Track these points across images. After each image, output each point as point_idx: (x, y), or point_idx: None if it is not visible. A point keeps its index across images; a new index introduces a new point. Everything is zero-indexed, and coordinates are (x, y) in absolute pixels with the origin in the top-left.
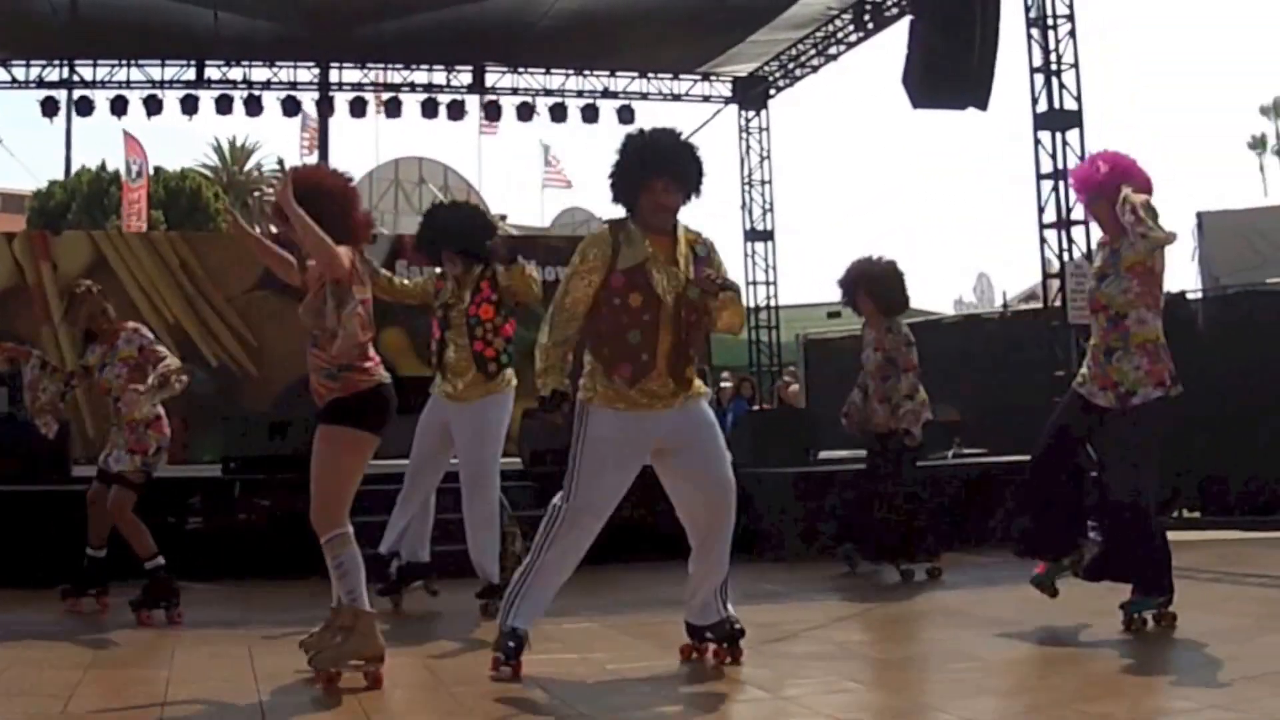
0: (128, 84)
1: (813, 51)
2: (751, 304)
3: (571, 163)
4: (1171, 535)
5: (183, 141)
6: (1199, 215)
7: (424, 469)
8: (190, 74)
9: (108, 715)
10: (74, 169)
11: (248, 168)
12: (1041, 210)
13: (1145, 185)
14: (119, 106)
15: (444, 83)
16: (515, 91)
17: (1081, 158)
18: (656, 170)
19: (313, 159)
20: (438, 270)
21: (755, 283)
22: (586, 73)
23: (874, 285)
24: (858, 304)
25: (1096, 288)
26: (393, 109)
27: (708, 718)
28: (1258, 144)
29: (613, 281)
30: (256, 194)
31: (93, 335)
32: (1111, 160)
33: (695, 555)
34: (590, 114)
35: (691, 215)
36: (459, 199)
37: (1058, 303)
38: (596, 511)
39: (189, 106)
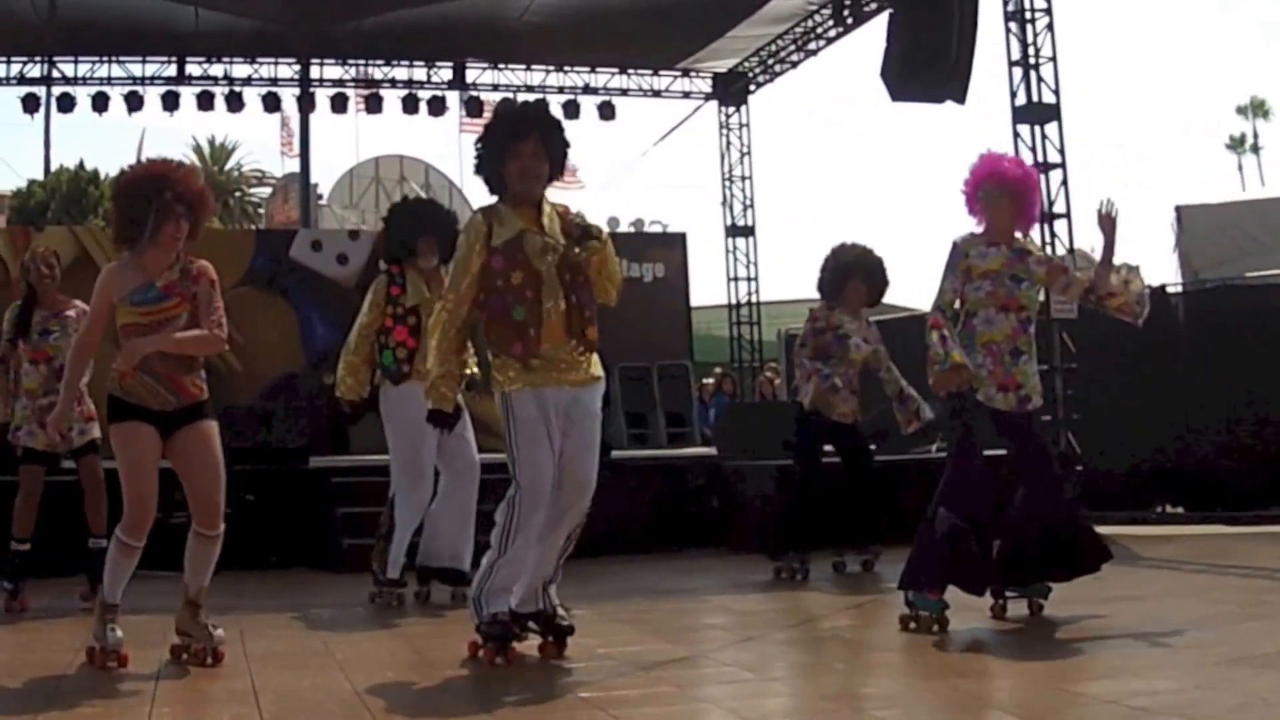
0: (109, 80)
1: (792, 47)
2: (733, 300)
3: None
4: (1154, 530)
5: (164, 141)
6: (1178, 209)
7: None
8: (171, 70)
9: (100, 695)
10: (53, 168)
11: (228, 167)
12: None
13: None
14: (100, 103)
15: (425, 79)
16: (496, 87)
17: (1061, 151)
18: (525, 132)
19: (293, 158)
20: (388, 273)
21: (736, 278)
22: (567, 68)
23: (871, 274)
24: (847, 291)
25: (1014, 288)
26: (373, 105)
27: (693, 696)
28: (1236, 144)
29: (494, 263)
30: (237, 194)
31: (34, 300)
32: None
33: (541, 537)
34: (571, 110)
35: (675, 210)
36: (442, 197)
37: (1040, 297)
38: (544, 489)
39: (170, 103)
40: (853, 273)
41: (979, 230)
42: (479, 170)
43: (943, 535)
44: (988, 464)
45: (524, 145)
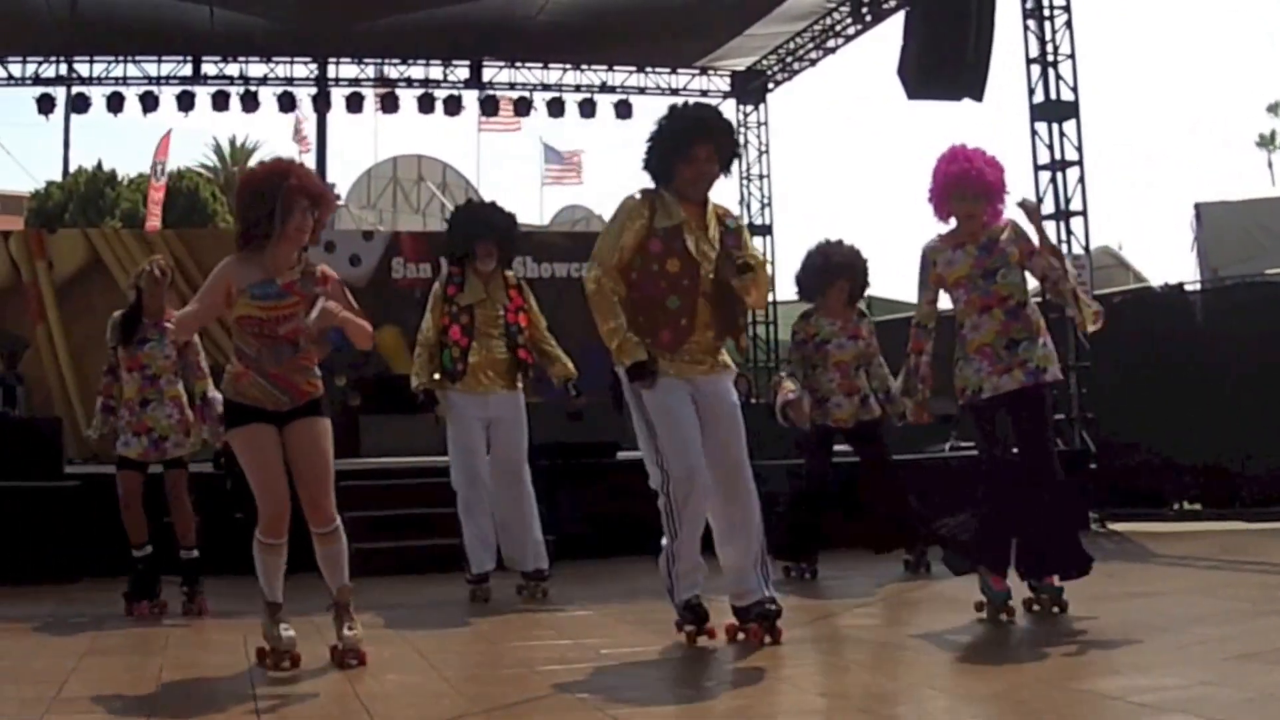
0: (124, 80)
1: (811, 45)
2: None
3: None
4: (1170, 527)
5: (181, 141)
6: (1197, 207)
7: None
8: (187, 70)
9: (100, 701)
10: (71, 169)
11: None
12: (1039, 201)
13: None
14: (115, 103)
15: (441, 78)
16: (513, 86)
17: (1079, 149)
18: (703, 138)
19: (307, 154)
20: (445, 272)
21: None
22: (584, 67)
23: (857, 275)
24: (831, 291)
25: (987, 285)
26: (390, 104)
27: (699, 697)
28: (1266, 142)
29: (650, 246)
30: None
31: (140, 309)
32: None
33: (719, 538)
34: (588, 108)
35: None
36: (458, 197)
37: None
38: (693, 473)
39: (185, 103)
40: (841, 274)
41: (944, 231)
42: (647, 164)
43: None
44: (1009, 464)
45: (700, 150)
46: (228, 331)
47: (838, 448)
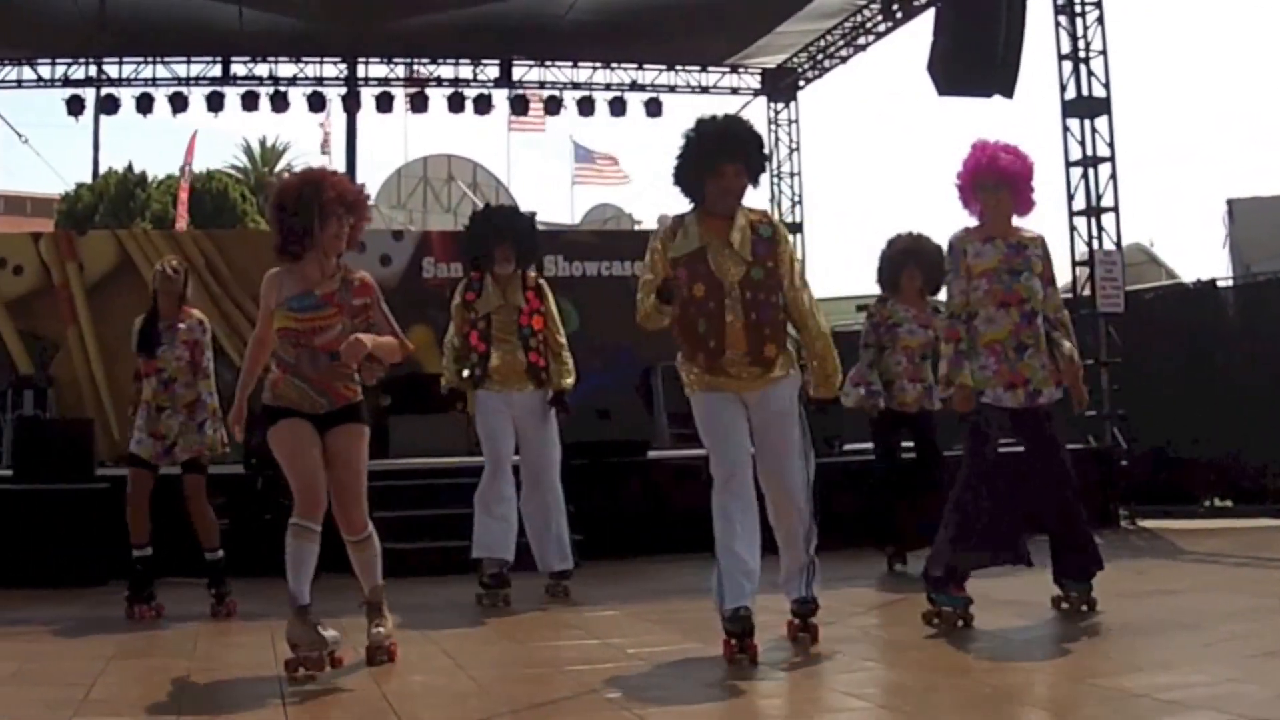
0: (153, 81)
1: (841, 42)
2: None
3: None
4: (1201, 524)
5: (211, 142)
6: (1229, 202)
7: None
8: (216, 71)
9: (129, 702)
10: (100, 171)
11: (279, 168)
12: (1071, 198)
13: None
14: (144, 104)
15: (471, 77)
16: (543, 85)
17: (1111, 145)
18: (731, 154)
19: (326, 154)
20: (468, 278)
21: None
22: (614, 65)
23: (925, 261)
24: (902, 279)
25: (1011, 281)
26: (419, 104)
27: (722, 696)
28: None
29: (678, 274)
30: None
31: (156, 314)
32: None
33: (779, 539)
34: (618, 107)
35: None
36: (489, 196)
37: (1086, 291)
38: (738, 480)
39: (215, 104)
40: (906, 262)
41: (974, 224)
42: (677, 180)
43: (953, 535)
44: (1002, 460)
45: (728, 166)
46: (243, 341)
47: (865, 445)
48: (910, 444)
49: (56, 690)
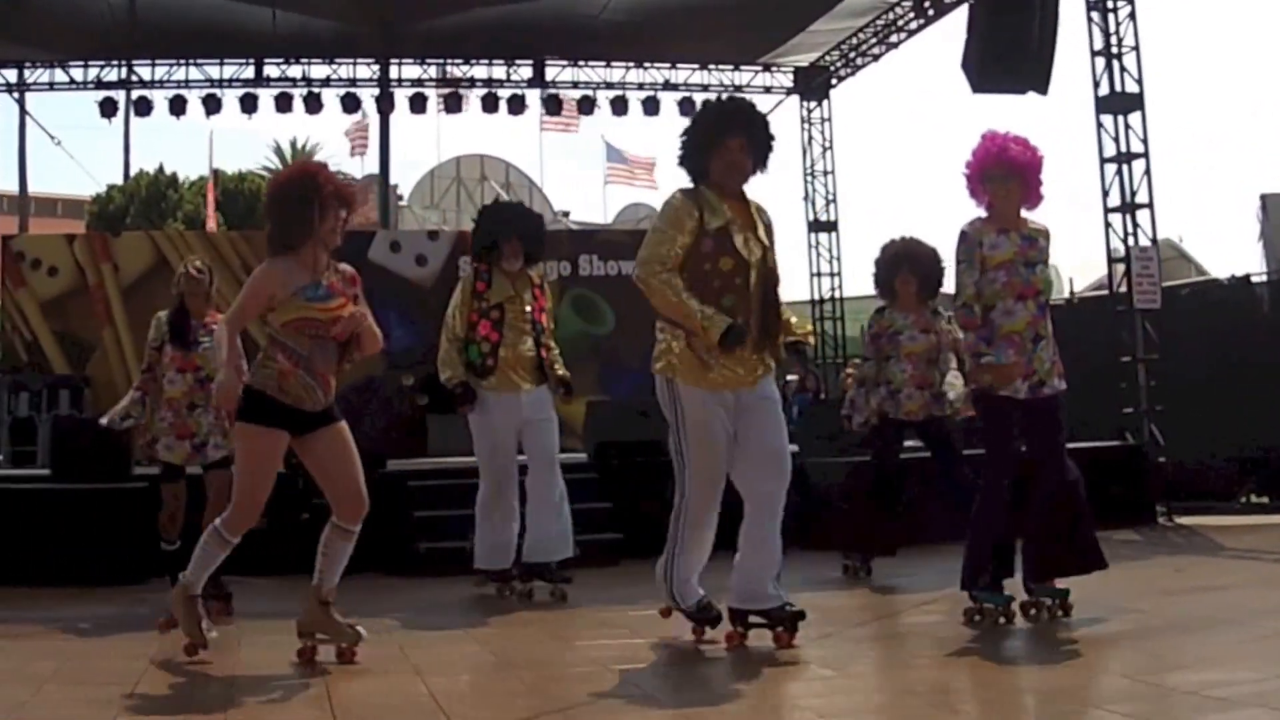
0: (186, 83)
1: (873, 40)
2: (815, 295)
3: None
4: (1238, 520)
5: (243, 144)
6: (1263, 198)
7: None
8: (249, 72)
9: (171, 700)
10: (132, 172)
11: None
12: (1106, 194)
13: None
14: (178, 106)
15: (504, 77)
16: (576, 85)
17: (1144, 140)
18: (733, 130)
19: (361, 156)
20: (473, 269)
21: (819, 274)
22: (647, 65)
23: (918, 265)
24: (896, 285)
25: (1028, 274)
26: (453, 104)
27: (772, 694)
28: None
29: (702, 245)
30: None
31: (186, 310)
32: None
33: (744, 534)
34: (651, 106)
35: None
36: (522, 196)
37: (1123, 288)
38: (716, 477)
39: (248, 105)
40: (900, 267)
41: (985, 215)
42: (682, 162)
43: (987, 529)
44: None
45: (732, 142)
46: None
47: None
48: (908, 450)
49: (97, 689)
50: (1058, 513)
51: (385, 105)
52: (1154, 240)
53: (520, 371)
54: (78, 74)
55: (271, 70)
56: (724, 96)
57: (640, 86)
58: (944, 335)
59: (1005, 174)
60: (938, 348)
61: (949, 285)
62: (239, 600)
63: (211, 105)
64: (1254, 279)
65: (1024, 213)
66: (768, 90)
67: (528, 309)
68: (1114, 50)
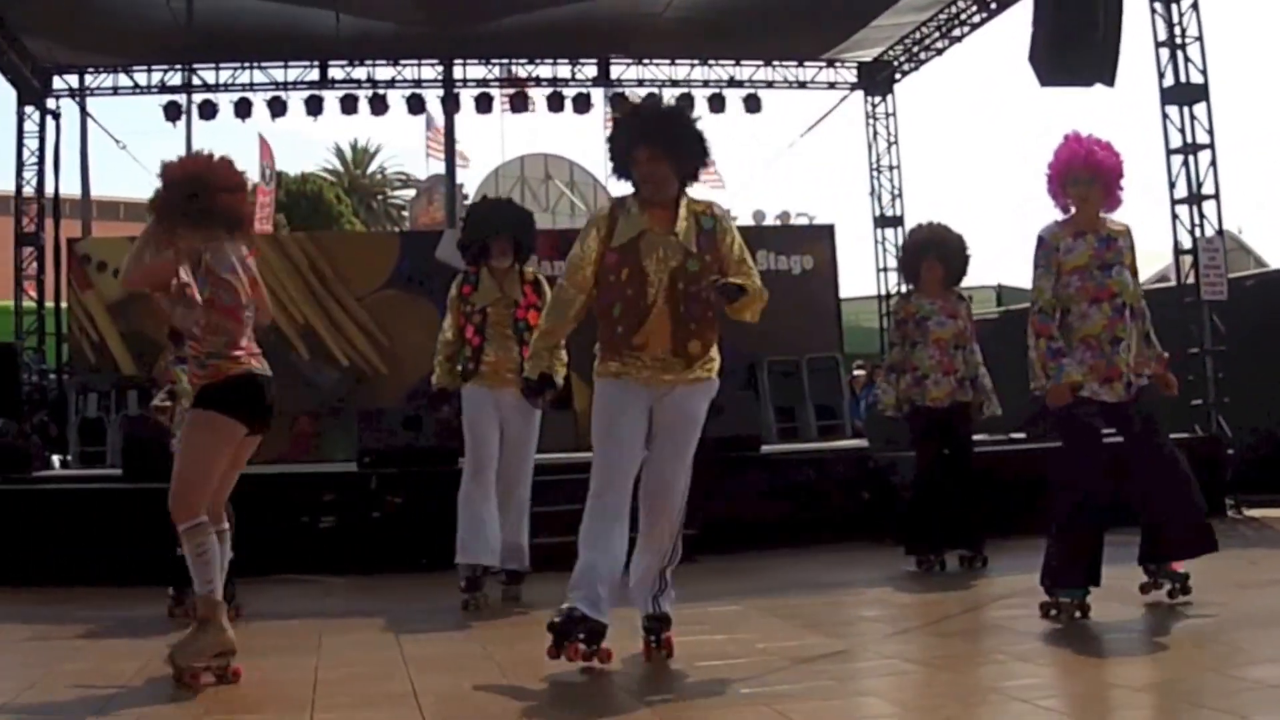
0: (251, 86)
1: (937, 34)
2: (883, 290)
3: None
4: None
5: (303, 146)
6: None
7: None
8: (314, 75)
9: (263, 697)
10: None
11: (370, 170)
12: (1172, 185)
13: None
14: (243, 109)
15: (569, 76)
16: (641, 83)
17: (1210, 132)
18: (638, 140)
19: (439, 158)
20: (464, 272)
21: (886, 269)
22: (712, 62)
23: (944, 251)
24: (922, 270)
25: (1103, 277)
26: (519, 104)
27: (856, 690)
28: None
29: (608, 259)
30: (380, 197)
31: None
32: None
33: (639, 545)
34: (717, 103)
35: (822, 202)
36: (586, 195)
37: (1190, 279)
38: (613, 473)
39: (314, 107)
40: (925, 253)
41: (1062, 218)
42: (615, 175)
43: (1066, 527)
44: (1104, 451)
45: (639, 154)
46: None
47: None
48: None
49: (178, 688)
50: (1172, 494)
51: (450, 106)
52: (1220, 231)
53: (507, 374)
54: (141, 78)
55: (336, 72)
56: (639, 102)
57: (705, 83)
58: (969, 325)
59: (1090, 178)
60: (964, 334)
61: (971, 277)
62: (309, 599)
63: (277, 108)
64: None
65: (1104, 217)
66: (832, 86)
67: (513, 310)
68: (1178, 41)
